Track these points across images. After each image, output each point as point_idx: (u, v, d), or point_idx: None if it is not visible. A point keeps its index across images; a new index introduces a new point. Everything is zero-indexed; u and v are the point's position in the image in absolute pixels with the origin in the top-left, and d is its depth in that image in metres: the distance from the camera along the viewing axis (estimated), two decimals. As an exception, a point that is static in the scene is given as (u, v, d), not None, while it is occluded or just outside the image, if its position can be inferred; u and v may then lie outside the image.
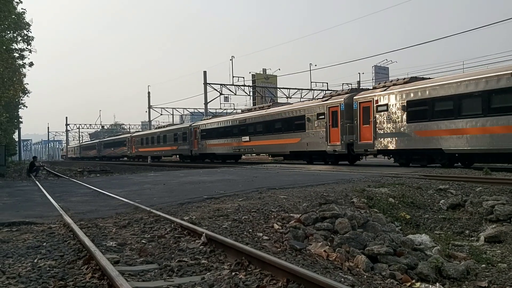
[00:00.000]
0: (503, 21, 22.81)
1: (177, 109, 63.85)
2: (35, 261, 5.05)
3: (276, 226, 6.83)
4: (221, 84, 45.73)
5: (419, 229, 8.40)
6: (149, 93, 60.23)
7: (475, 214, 8.89)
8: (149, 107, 60.30)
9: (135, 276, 4.42)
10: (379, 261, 5.79)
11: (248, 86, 48.95)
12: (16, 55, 29.34)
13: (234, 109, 51.33)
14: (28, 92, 40.65)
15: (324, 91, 48.79)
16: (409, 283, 5.24)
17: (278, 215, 7.56)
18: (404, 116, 18.73)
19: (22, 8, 27.61)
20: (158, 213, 7.75)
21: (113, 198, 10.75)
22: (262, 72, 54.81)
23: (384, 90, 20.11)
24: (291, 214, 7.56)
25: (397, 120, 19.07)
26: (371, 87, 22.87)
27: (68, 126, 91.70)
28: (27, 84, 37.66)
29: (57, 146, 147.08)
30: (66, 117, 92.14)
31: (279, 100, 45.58)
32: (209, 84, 44.73)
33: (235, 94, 47.00)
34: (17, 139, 67.61)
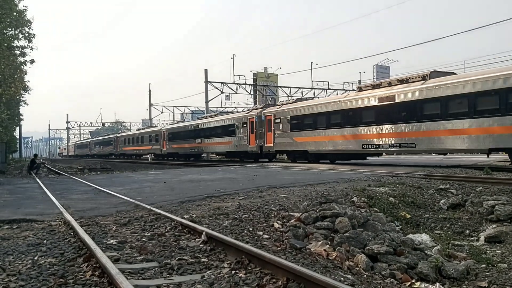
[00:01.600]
0: (504, 21, 22.82)
1: (178, 107, 63.84)
2: (36, 258, 5.06)
3: (276, 225, 6.84)
4: (222, 83, 45.70)
5: (419, 228, 8.40)
6: (150, 91, 60.25)
7: (476, 214, 8.89)
8: (150, 105, 60.30)
9: (135, 274, 4.42)
10: (379, 260, 5.79)
11: (249, 84, 48.92)
12: (17, 52, 29.34)
13: (235, 107, 51.42)
14: (29, 90, 40.62)
15: (325, 90, 48.91)
16: (409, 283, 5.24)
17: (279, 214, 7.56)
18: (289, 127, 26.43)
19: (23, 6, 27.66)
20: (159, 211, 7.76)
21: (113, 196, 10.76)
22: (263, 71, 54.78)
23: (279, 108, 28.23)
24: (291, 213, 7.56)
25: (285, 129, 26.79)
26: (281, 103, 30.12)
27: (69, 124, 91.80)
28: (28, 81, 37.67)
29: (58, 144, 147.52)
30: (67, 115, 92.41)
31: (280, 99, 45.68)
32: (210, 82, 44.70)
33: (236, 93, 46.98)
34: (18, 137, 67.70)
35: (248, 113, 31.66)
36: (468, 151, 19.31)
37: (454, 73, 19.67)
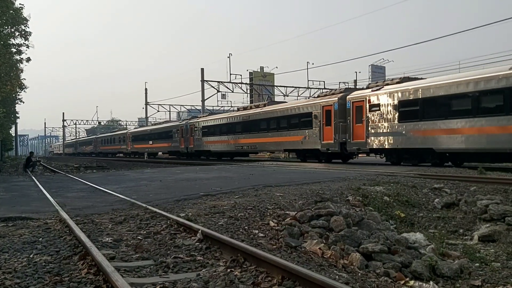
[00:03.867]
0: (499, 22, 22.95)
1: (174, 106, 63.74)
2: (31, 256, 5.06)
3: (271, 224, 6.86)
4: (218, 82, 45.68)
5: (413, 227, 8.45)
6: (146, 89, 60.20)
7: (469, 213, 8.94)
8: (146, 103, 60.26)
9: (130, 272, 4.43)
10: (373, 259, 5.83)
11: (246, 83, 48.93)
12: (14, 50, 29.19)
13: (231, 106, 51.41)
14: (25, 88, 40.46)
15: (321, 90, 48.95)
16: (403, 281, 5.28)
17: (274, 213, 7.59)
18: (201, 134, 37.13)
19: (20, 4, 27.53)
20: (154, 209, 7.77)
21: (109, 194, 10.76)
22: (259, 70, 54.76)
23: (197, 120, 38.91)
24: (287, 212, 7.59)
25: (199, 135, 37.39)
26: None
27: (65, 122, 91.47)
28: (24, 79, 37.53)
29: (50, 143, 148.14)
30: (63, 113, 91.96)
31: (276, 99, 45.90)
32: (206, 81, 44.65)
33: (232, 92, 47.04)
34: (13, 134, 67.49)
35: (180, 123, 42.90)
36: (277, 151, 32.54)
37: (285, 102, 32.24)
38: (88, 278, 4.22)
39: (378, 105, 19.88)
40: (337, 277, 4.69)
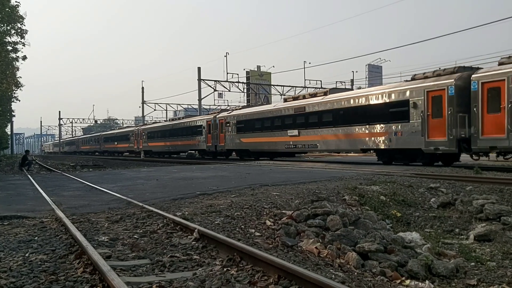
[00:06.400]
0: (496, 22, 23.03)
1: (170, 104, 63.61)
2: (27, 255, 5.05)
3: (268, 223, 6.86)
4: (215, 81, 45.59)
5: (409, 227, 8.46)
6: (143, 88, 60.03)
7: (465, 212, 8.96)
8: (143, 102, 60.09)
9: (126, 271, 4.43)
10: (369, 258, 5.83)
11: (242, 83, 48.86)
12: (10, 48, 29.06)
13: (228, 105, 51.42)
14: (21, 86, 40.27)
15: (318, 89, 48.97)
16: (399, 280, 5.28)
17: (271, 212, 7.59)
18: (147, 137, 48.91)
19: (16, 1, 27.40)
20: (151, 208, 7.76)
21: (105, 193, 10.74)
22: (256, 69, 54.72)
23: (145, 126, 51.39)
24: (283, 211, 7.59)
25: (145, 138, 49.25)
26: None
27: (61, 121, 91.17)
28: (20, 77, 37.37)
29: (45, 142, 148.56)
30: (59, 111, 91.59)
31: (273, 98, 46.08)
32: (203, 80, 44.55)
33: (229, 91, 46.94)
34: (9, 133, 67.27)
35: (134, 128, 55.71)
36: (185, 151, 42.87)
37: (197, 116, 43.13)
38: (84, 277, 4.22)
39: (229, 122, 32.44)
40: (333, 276, 4.69)
